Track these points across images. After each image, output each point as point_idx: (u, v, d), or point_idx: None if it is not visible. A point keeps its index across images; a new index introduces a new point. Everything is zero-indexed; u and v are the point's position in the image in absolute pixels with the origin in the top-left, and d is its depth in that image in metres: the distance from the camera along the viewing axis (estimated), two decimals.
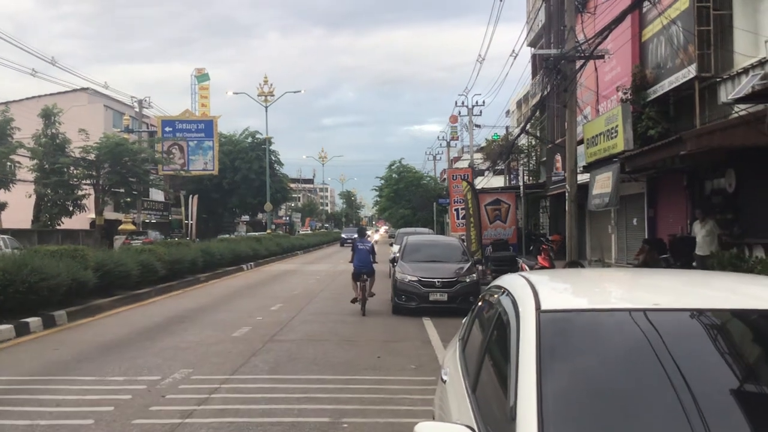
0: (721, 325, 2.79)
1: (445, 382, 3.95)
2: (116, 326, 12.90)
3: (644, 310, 2.78)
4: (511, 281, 3.53)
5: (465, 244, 21.73)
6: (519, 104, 53.08)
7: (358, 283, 14.90)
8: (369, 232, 53.44)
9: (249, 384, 8.18)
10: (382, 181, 71.91)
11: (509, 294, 3.25)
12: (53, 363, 9.38)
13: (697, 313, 2.78)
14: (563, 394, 2.41)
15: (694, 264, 15.04)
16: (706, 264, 13.92)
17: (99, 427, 6.37)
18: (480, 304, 4.18)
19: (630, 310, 2.85)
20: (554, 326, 2.71)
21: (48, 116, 35.79)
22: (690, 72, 15.29)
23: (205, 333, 12.08)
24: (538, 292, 2.98)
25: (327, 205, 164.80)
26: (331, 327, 13.03)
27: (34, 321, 12.15)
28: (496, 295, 3.61)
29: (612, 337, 2.73)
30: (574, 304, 3.14)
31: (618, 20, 14.26)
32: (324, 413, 6.87)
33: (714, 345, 2.69)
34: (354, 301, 15.07)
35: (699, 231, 14.74)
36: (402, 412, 6.95)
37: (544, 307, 2.82)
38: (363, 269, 14.93)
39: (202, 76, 60.53)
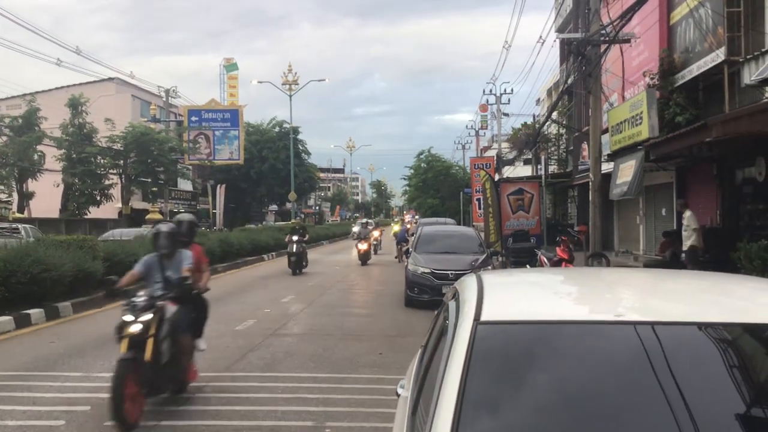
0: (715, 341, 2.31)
1: (398, 396, 3.50)
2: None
3: (603, 323, 2.31)
4: (464, 283, 3.01)
5: (483, 234, 21.18)
6: (549, 92, 51.97)
7: (399, 247, 27.90)
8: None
9: (238, 383, 7.83)
10: (411, 171, 71.13)
11: (457, 298, 2.77)
12: (43, 357, 9.12)
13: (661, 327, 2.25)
14: None
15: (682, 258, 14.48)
16: (690, 259, 13.64)
17: (68, 428, 6.05)
18: (440, 307, 3.70)
19: (587, 323, 2.37)
20: (491, 343, 2.20)
21: (75, 106, 35.91)
22: (719, 56, 14.59)
23: (208, 326, 11.70)
24: (483, 298, 2.47)
25: (358, 195, 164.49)
26: (338, 320, 12.63)
27: (35, 312, 11.95)
28: (449, 298, 3.13)
29: (568, 357, 2.24)
30: (524, 314, 2.52)
31: (641, 1, 13.63)
32: (308, 416, 6.47)
33: (687, 366, 2.16)
34: (396, 257, 28.11)
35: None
36: (393, 417, 6.50)
37: (484, 317, 2.32)
38: (401, 239, 28.45)
39: (230, 66, 60.37)
